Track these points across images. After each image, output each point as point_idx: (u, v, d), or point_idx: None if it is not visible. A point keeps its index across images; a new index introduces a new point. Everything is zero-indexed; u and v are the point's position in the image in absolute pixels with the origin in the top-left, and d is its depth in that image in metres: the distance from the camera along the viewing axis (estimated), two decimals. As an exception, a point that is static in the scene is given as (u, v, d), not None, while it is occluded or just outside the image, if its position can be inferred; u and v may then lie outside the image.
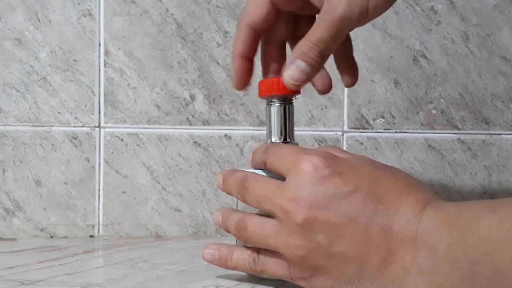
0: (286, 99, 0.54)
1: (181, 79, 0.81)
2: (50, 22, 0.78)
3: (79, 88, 0.79)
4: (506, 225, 0.39)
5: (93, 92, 0.79)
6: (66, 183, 0.79)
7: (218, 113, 0.82)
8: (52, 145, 0.79)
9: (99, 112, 0.79)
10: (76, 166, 0.79)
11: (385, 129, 0.85)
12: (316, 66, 0.52)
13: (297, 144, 0.54)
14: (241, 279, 0.53)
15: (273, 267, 0.49)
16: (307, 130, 0.83)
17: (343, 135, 0.84)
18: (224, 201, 0.81)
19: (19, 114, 0.78)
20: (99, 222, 0.79)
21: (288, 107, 0.54)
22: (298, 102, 0.82)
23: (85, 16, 0.79)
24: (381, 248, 0.43)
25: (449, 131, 0.86)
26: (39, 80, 0.78)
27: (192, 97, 0.81)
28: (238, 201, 0.52)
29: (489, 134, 0.87)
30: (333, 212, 0.44)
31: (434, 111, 0.86)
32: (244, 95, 0.82)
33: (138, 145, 0.80)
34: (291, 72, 0.52)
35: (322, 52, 0.51)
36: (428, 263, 0.41)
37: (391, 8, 0.53)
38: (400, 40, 0.85)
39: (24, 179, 0.78)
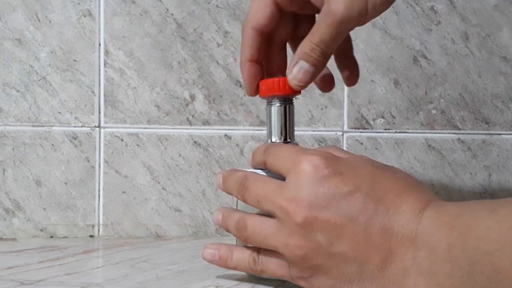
0: (287, 99, 0.54)
1: (181, 79, 0.81)
2: (50, 22, 0.78)
3: (79, 88, 0.79)
4: (506, 225, 0.39)
5: (93, 92, 0.79)
6: (66, 183, 0.79)
7: (218, 113, 0.82)
8: (52, 145, 0.79)
9: (99, 112, 0.79)
10: (76, 166, 0.79)
11: (385, 129, 0.85)
12: (319, 66, 0.52)
13: (297, 144, 0.54)
14: (241, 279, 0.53)
15: (273, 267, 0.49)
16: (307, 130, 0.83)
17: (343, 135, 0.84)
18: (224, 201, 0.81)
19: (19, 114, 0.78)
20: (99, 222, 0.79)
21: (289, 107, 0.54)
22: (298, 102, 0.82)
23: (85, 16, 0.79)
24: (381, 248, 0.43)
25: (449, 131, 0.86)
26: (39, 80, 0.78)
27: (192, 97, 0.81)
28: (238, 201, 0.52)
29: (489, 134, 0.87)
30: (333, 212, 0.44)
31: (434, 111, 0.86)
32: (244, 95, 0.82)
33: (138, 145, 0.80)
34: (295, 73, 0.52)
35: (324, 52, 0.51)
36: (428, 263, 0.41)
37: (391, 8, 0.53)
38: (400, 40, 0.85)
39: (24, 179, 0.78)
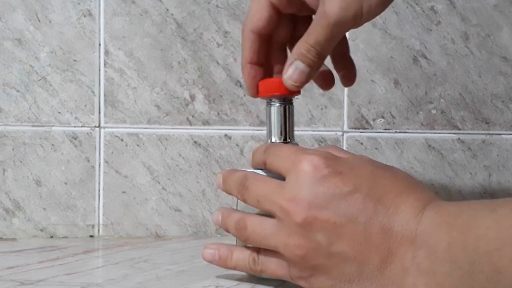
0: (286, 99, 0.54)
1: (181, 79, 0.81)
2: (50, 22, 0.78)
3: (79, 88, 0.79)
4: (506, 225, 0.39)
5: (93, 92, 0.79)
6: (66, 183, 0.79)
7: (218, 113, 0.82)
8: (52, 145, 0.79)
9: (99, 112, 0.80)
10: (76, 166, 0.79)
11: (385, 129, 0.85)
12: (314, 67, 0.52)
13: (297, 144, 0.55)
14: (241, 279, 0.53)
15: (273, 267, 0.49)
16: (307, 130, 0.83)
17: (343, 135, 0.84)
18: (224, 201, 0.81)
19: (19, 114, 0.78)
20: (99, 222, 0.79)
21: (288, 107, 0.54)
22: (298, 102, 0.82)
23: (85, 16, 0.79)
24: (380, 248, 0.43)
25: (449, 131, 0.86)
26: (39, 80, 0.78)
27: (192, 97, 0.81)
28: (238, 201, 0.52)
29: (489, 134, 0.87)
30: (332, 211, 0.44)
31: (434, 111, 0.86)
32: (244, 95, 0.82)
33: (138, 145, 0.80)
34: (291, 73, 0.52)
35: (320, 53, 0.52)
36: (428, 262, 0.41)
37: (391, 8, 0.54)
38: (400, 40, 0.85)
39: (24, 179, 0.78)
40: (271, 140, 0.54)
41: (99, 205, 0.79)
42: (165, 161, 0.81)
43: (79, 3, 0.79)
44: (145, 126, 0.80)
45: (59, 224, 0.79)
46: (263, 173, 0.51)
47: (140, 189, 0.80)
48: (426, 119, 0.85)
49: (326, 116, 0.84)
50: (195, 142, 0.81)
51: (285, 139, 0.54)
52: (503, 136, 0.87)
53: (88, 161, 0.79)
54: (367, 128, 0.84)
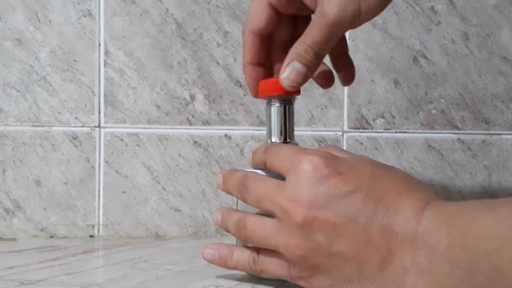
0: (286, 99, 0.54)
1: (181, 79, 0.81)
2: (50, 22, 0.78)
3: (79, 88, 0.79)
4: (506, 224, 0.39)
5: (93, 92, 0.79)
6: (66, 183, 0.79)
7: (218, 113, 0.82)
8: (52, 145, 0.79)
9: (99, 112, 0.80)
10: (76, 166, 0.79)
11: (385, 129, 0.85)
12: (312, 67, 0.52)
13: (297, 144, 0.55)
14: (241, 279, 0.53)
15: (273, 266, 0.49)
16: (307, 130, 0.83)
17: (343, 135, 0.84)
18: (224, 201, 0.81)
19: (19, 114, 0.78)
20: (99, 222, 0.79)
21: (288, 107, 0.54)
22: (298, 102, 0.82)
23: (85, 16, 0.79)
24: (380, 248, 0.43)
25: (449, 131, 0.86)
26: (39, 80, 0.78)
27: (192, 97, 0.81)
28: (238, 201, 0.52)
29: (489, 134, 0.87)
30: (332, 211, 0.44)
31: (434, 111, 0.86)
32: (244, 95, 0.82)
33: (138, 145, 0.80)
34: (288, 73, 0.52)
35: (317, 53, 0.52)
36: (428, 262, 0.41)
37: (391, 8, 0.53)
38: (400, 40, 0.85)
39: (24, 179, 0.78)
40: (271, 140, 0.54)
41: (99, 205, 0.79)
42: (165, 161, 0.81)
43: (79, 3, 0.79)
44: (145, 126, 0.80)
45: (59, 224, 0.79)
46: (263, 173, 0.51)
47: (140, 189, 0.80)
48: (426, 119, 0.85)
49: (326, 116, 0.84)
50: (195, 142, 0.81)
51: (285, 139, 0.54)
52: (503, 136, 0.87)
53: (88, 161, 0.79)
54: (367, 128, 0.84)
